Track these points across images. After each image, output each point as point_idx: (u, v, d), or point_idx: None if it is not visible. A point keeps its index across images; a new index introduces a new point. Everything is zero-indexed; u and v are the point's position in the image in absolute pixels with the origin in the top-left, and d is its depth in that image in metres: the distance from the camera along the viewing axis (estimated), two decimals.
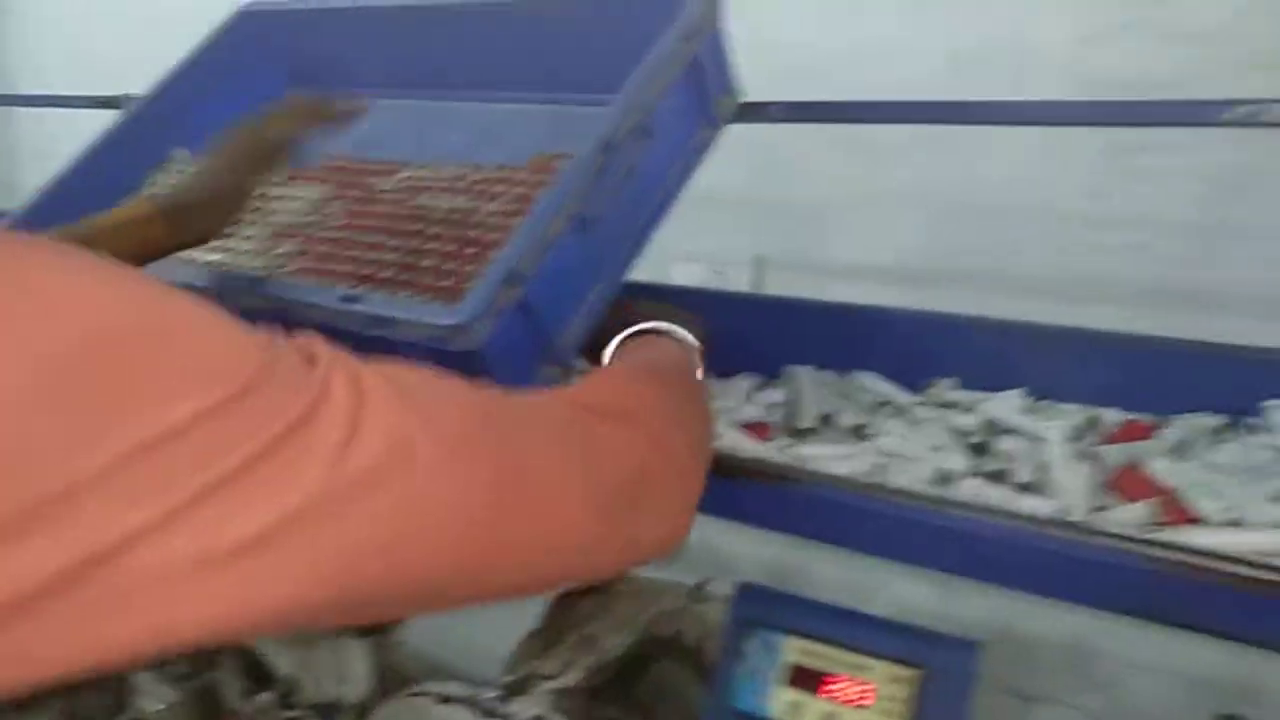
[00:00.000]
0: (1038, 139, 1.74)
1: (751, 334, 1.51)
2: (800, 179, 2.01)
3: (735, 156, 2.06)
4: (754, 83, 1.47)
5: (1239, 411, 1.20)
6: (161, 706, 1.34)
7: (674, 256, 2.10)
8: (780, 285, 2.05)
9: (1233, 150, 1.60)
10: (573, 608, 1.56)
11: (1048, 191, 1.77)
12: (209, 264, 1.46)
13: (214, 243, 1.49)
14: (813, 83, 1.52)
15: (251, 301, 1.33)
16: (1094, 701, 1.83)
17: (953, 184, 1.85)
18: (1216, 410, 1.21)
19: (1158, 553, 0.85)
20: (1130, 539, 0.85)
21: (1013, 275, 1.85)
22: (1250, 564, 0.84)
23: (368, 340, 1.23)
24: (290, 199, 1.53)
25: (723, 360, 1.54)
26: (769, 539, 2.00)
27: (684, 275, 2.08)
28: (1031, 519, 0.88)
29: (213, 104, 1.73)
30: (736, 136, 1.87)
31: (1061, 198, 1.76)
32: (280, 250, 1.43)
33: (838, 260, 2.04)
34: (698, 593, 1.47)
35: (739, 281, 2.05)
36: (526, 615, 1.61)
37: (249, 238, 1.49)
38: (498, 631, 1.60)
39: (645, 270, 2.13)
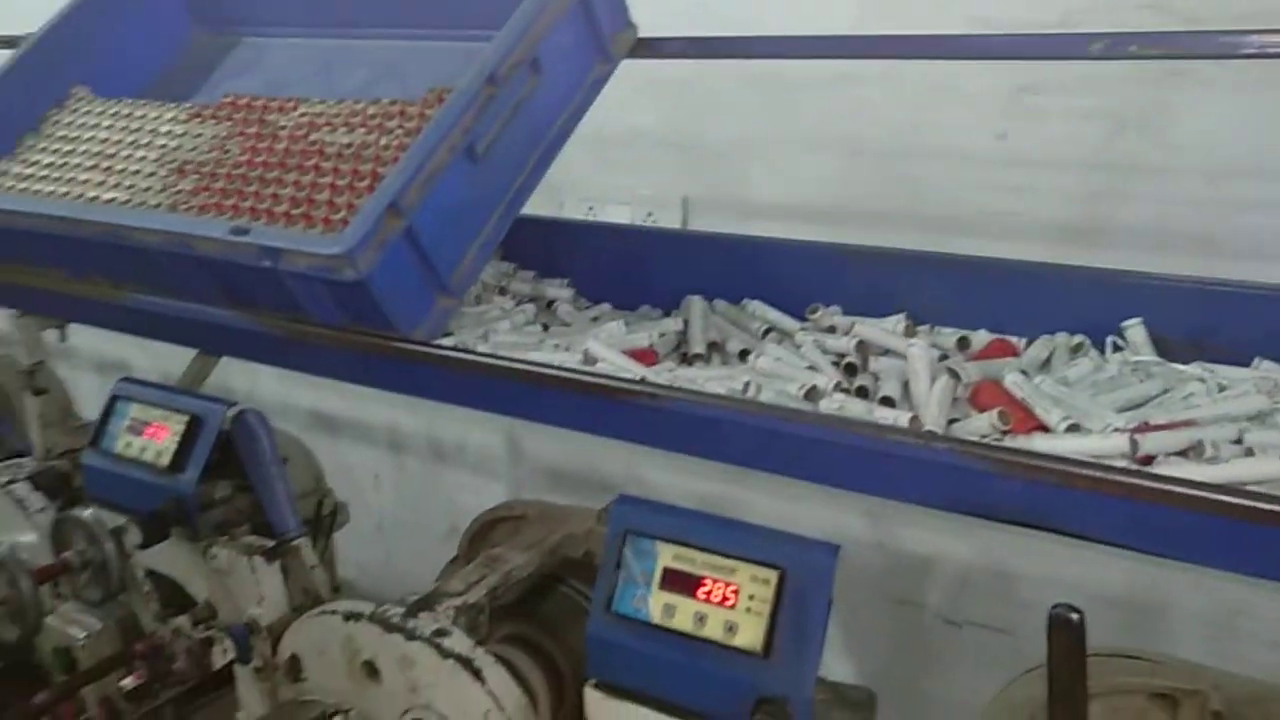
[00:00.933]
0: (942, 81, 1.78)
1: (651, 267, 1.55)
2: (722, 122, 2.05)
3: (662, 101, 2.10)
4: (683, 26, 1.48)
5: (1103, 332, 1.27)
6: (85, 635, 1.38)
7: (605, 198, 2.14)
8: (705, 224, 2.09)
9: (1128, 90, 1.66)
10: (486, 536, 1.61)
11: (952, 132, 1.82)
12: (110, 201, 1.46)
13: (111, 179, 1.51)
14: (740, 29, 1.53)
15: (146, 237, 1.34)
16: (1021, 620, 1.92)
17: (863, 125, 1.89)
18: (1080, 330, 1.28)
19: (992, 455, 0.91)
20: (963, 442, 0.92)
21: (922, 213, 1.90)
22: (1076, 463, 0.90)
23: (261, 274, 1.26)
24: (191, 136, 1.53)
25: (625, 293, 1.59)
26: (703, 474, 2.07)
27: (614, 217, 2.12)
28: (875, 425, 0.94)
29: (112, 40, 1.72)
30: (663, 81, 1.90)
31: (966, 138, 1.81)
32: (180, 187, 1.44)
33: (758, 199, 2.08)
34: (606, 515, 1.52)
35: (670, 222, 2.09)
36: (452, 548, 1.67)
37: (151, 175, 1.49)
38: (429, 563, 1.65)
39: (575, 210, 2.16)
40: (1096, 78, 1.65)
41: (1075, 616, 0.94)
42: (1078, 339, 1.25)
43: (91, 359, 3.13)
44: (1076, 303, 1.30)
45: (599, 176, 2.13)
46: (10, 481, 1.48)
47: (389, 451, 2.72)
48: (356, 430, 2.75)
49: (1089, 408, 1.08)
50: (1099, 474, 0.86)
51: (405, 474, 2.72)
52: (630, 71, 1.47)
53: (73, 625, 1.34)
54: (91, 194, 1.50)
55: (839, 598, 1.01)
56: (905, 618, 2.06)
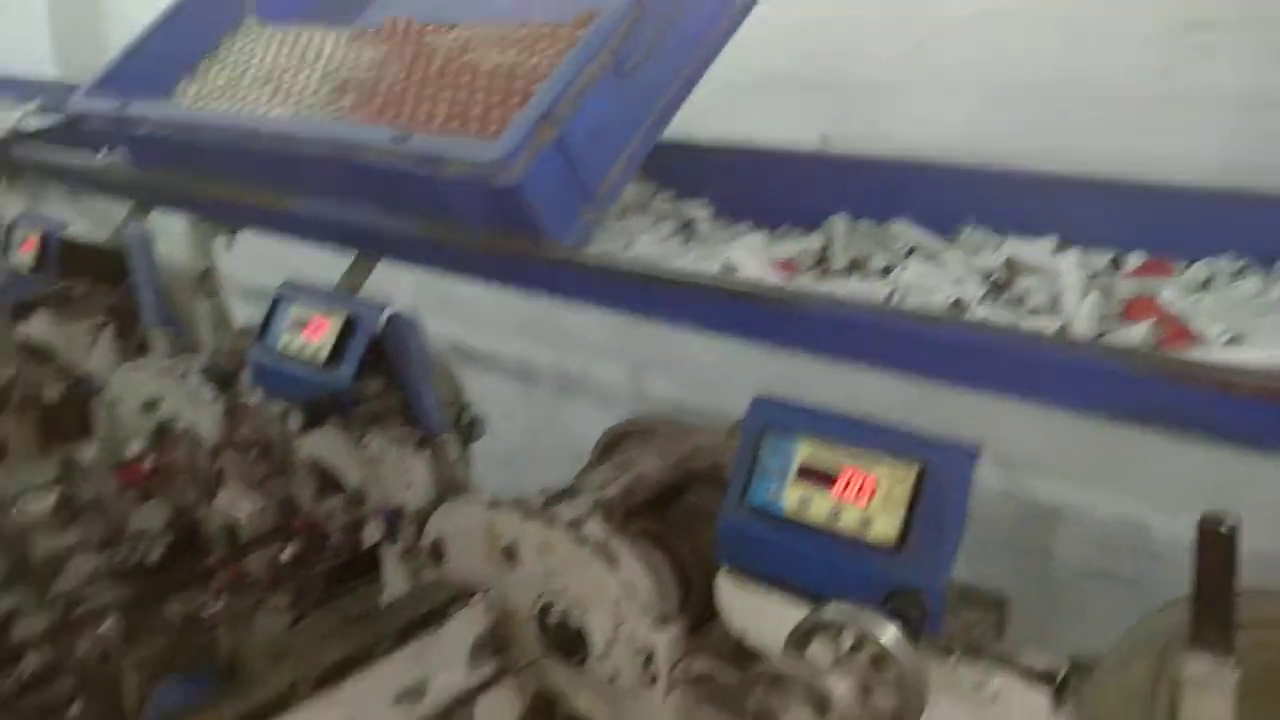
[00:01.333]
0: (1101, 16, 1.71)
1: (793, 189, 1.55)
2: (859, 63, 2.01)
3: (802, 40, 2.08)
4: None
5: (1271, 257, 1.21)
6: (250, 509, 1.49)
7: (741, 137, 2.15)
8: None
9: None
10: (617, 446, 1.66)
11: (1110, 70, 1.74)
12: (277, 116, 1.55)
13: (278, 97, 1.60)
14: None
15: (312, 146, 1.43)
16: (1152, 573, 1.86)
17: (1013, 63, 1.82)
18: (1247, 255, 1.23)
19: (1149, 359, 0.90)
20: (1115, 347, 0.90)
21: (1074, 154, 1.83)
22: (1237, 370, 0.87)
23: (417, 181, 1.32)
24: (352, 57, 1.61)
25: (765, 214, 1.59)
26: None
27: None
28: (1022, 332, 0.93)
29: None
30: (800, 23, 1.86)
31: (1124, 77, 1.73)
32: (341, 103, 1.52)
33: (898, 138, 2.04)
34: (736, 430, 1.55)
35: None
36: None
37: (315, 93, 1.58)
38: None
39: None
40: (1259, 13, 1.56)
41: (1227, 527, 0.91)
42: (1241, 263, 1.20)
43: (240, 288, 3.33)
44: (1241, 228, 1.24)
45: (732, 117, 2.13)
46: (184, 374, 1.60)
47: (518, 382, 2.81)
48: (486, 361, 2.84)
49: (1252, 326, 1.04)
50: (1264, 380, 0.83)
51: (533, 404, 2.80)
52: (768, 11, 1.47)
53: (238, 502, 1.45)
54: (261, 110, 1.60)
55: (964, 542, 1.00)
56: (1033, 566, 2.02)
